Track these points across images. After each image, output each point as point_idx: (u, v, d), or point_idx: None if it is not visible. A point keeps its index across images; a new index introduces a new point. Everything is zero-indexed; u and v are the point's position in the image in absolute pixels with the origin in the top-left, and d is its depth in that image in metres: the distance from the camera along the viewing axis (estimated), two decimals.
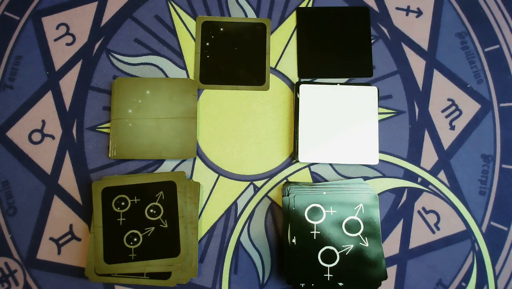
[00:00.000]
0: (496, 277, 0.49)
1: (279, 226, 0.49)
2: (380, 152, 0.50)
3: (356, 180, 0.48)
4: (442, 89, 0.52)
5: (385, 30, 0.52)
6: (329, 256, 0.45)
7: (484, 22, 0.53)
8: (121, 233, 0.45)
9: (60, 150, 0.49)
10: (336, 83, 0.50)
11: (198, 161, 0.50)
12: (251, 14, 0.52)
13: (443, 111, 0.51)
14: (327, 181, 0.50)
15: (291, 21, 0.52)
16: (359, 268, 0.45)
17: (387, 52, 0.52)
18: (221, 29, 0.51)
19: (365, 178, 0.50)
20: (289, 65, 0.52)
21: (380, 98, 0.51)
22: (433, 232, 0.49)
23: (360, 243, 0.45)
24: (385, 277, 0.45)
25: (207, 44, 0.51)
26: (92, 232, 0.46)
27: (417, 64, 0.52)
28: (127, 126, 0.49)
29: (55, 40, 0.51)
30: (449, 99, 0.51)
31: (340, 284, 0.45)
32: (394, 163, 0.50)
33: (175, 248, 0.45)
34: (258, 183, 0.50)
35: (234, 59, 0.51)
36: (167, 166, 0.49)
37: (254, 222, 0.49)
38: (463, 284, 0.48)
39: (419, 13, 0.53)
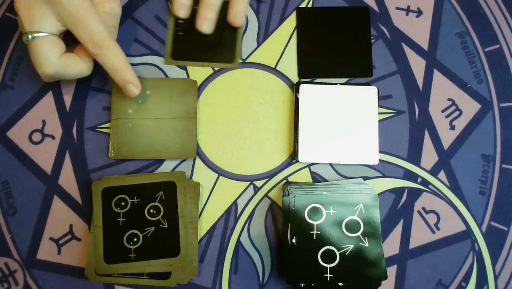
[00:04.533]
0: (496, 277, 0.48)
1: (279, 226, 0.49)
2: (380, 152, 0.50)
3: (356, 180, 0.48)
4: (442, 89, 0.51)
5: (385, 30, 0.52)
6: (329, 256, 0.45)
7: (484, 22, 0.53)
8: (121, 233, 0.45)
9: (60, 150, 0.49)
10: (336, 83, 0.50)
11: (198, 161, 0.50)
12: (251, 14, 0.52)
13: (443, 111, 0.51)
14: (327, 181, 0.50)
15: (291, 21, 0.52)
16: (359, 268, 0.45)
17: (387, 52, 0.52)
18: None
19: (365, 178, 0.50)
20: (289, 65, 0.52)
21: (380, 98, 0.51)
22: (433, 232, 0.49)
23: (360, 243, 0.45)
24: (385, 277, 0.45)
25: (180, 21, 0.51)
26: (92, 232, 0.46)
27: (417, 64, 0.52)
28: (127, 126, 0.49)
29: None
30: (449, 99, 0.51)
31: (340, 284, 0.45)
32: (394, 163, 0.50)
33: (175, 248, 0.45)
34: (258, 183, 0.50)
35: (205, 36, 0.51)
36: (167, 166, 0.49)
37: (254, 222, 0.49)
38: (463, 284, 0.48)
39: (419, 13, 0.53)
